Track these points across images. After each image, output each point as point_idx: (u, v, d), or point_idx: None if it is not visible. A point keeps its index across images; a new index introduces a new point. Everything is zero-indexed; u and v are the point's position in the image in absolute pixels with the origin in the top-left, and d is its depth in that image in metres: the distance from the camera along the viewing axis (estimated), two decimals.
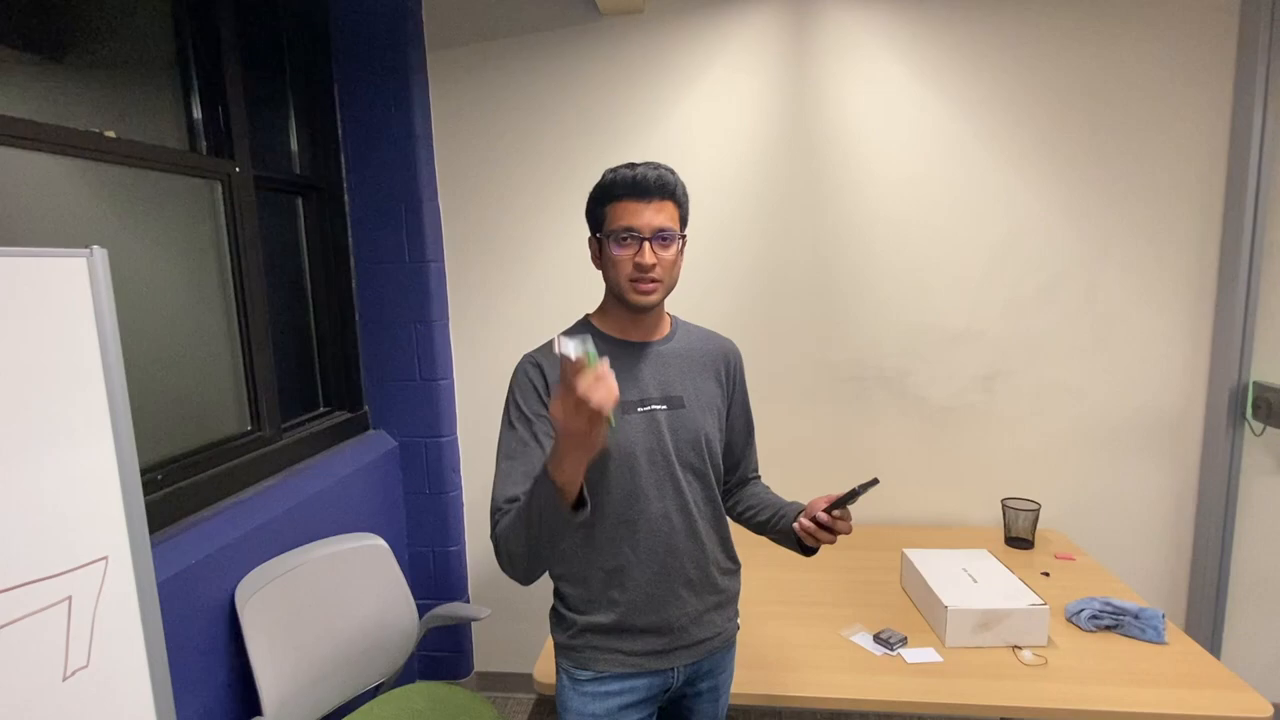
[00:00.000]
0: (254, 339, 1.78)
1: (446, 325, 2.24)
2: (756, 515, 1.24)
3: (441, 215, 2.21)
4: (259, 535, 1.61)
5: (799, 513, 1.16)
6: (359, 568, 1.78)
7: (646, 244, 1.06)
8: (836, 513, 1.08)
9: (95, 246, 0.90)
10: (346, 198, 2.14)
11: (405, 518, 2.26)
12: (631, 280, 1.08)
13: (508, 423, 1.09)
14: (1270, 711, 1.29)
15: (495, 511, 1.03)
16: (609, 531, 1.10)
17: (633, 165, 1.08)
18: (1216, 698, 1.34)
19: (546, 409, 1.06)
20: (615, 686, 1.13)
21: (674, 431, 1.12)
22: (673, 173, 1.09)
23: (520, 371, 1.12)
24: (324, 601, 1.66)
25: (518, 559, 0.98)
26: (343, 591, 1.71)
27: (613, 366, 1.07)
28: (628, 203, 1.06)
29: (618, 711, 1.13)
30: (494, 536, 1.02)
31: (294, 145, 2.05)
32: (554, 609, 1.20)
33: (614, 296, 1.13)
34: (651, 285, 1.08)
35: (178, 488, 1.49)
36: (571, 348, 0.80)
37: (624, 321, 1.15)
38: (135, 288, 1.48)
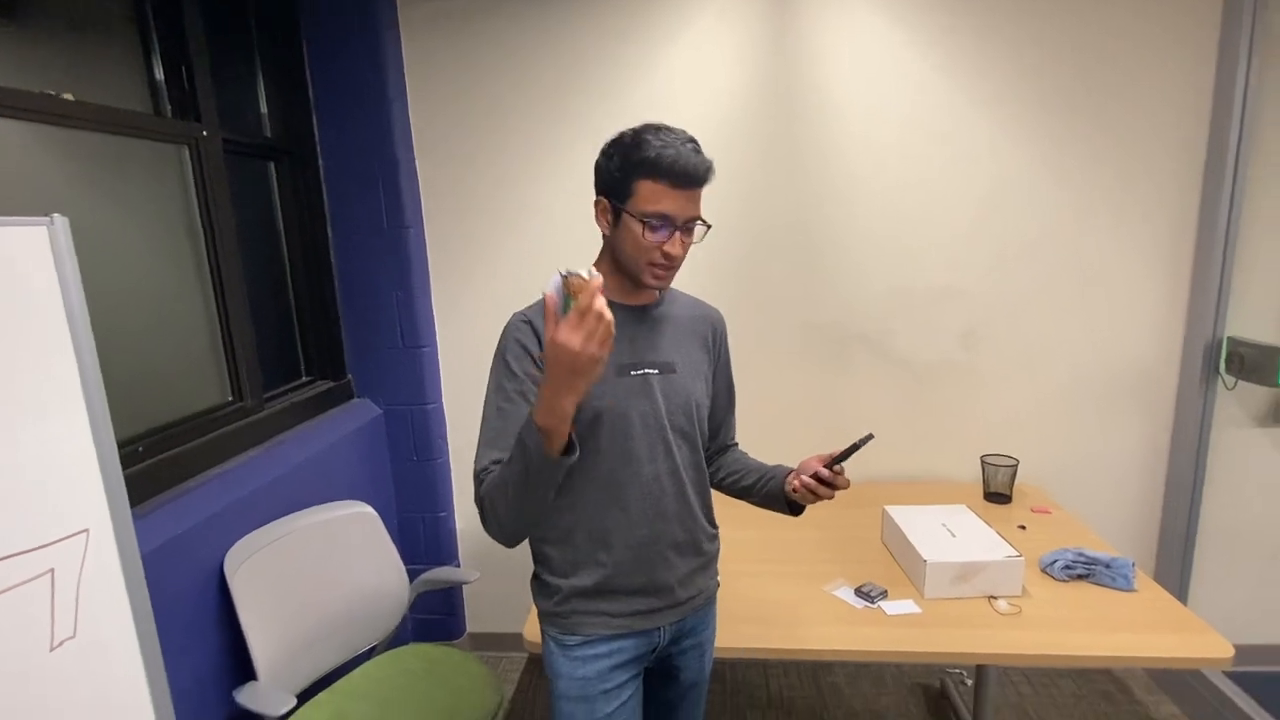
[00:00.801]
0: (231, 308, 1.75)
1: (428, 291, 2.22)
2: (740, 480, 1.25)
3: (419, 178, 2.17)
4: (246, 505, 1.61)
5: (787, 474, 1.17)
6: (348, 534, 1.79)
7: (678, 234, 1.03)
8: (836, 468, 1.09)
9: (56, 215, 0.87)
10: (320, 162, 2.08)
11: (393, 485, 2.27)
12: (652, 265, 1.04)
13: (496, 382, 1.07)
14: (1231, 653, 1.34)
15: (481, 473, 1.02)
16: (599, 493, 1.09)
17: (671, 139, 1.00)
18: (1182, 641, 1.39)
19: (538, 368, 1.02)
20: (604, 649, 1.13)
21: (666, 396, 1.11)
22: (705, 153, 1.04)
23: (511, 330, 1.08)
24: (313, 568, 1.67)
25: (505, 518, 0.98)
26: (332, 558, 1.73)
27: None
28: (668, 188, 1.00)
29: (608, 673, 1.14)
30: (479, 498, 1.01)
31: (263, 107, 1.99)
32: (536, 576, 1.19)
33: (617, 264, 1.09)
34: (671, 273, 1.06)
35: (159, 460, 1.48)
36: (586, 271, 0.80)
37: (618, 286, 1.11)
38: (104, 257, 1.44)
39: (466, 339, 2.25)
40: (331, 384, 2.13)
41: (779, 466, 1.23)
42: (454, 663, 1.76)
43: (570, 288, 0.82)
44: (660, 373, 1.12)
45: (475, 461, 1.04)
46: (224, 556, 1.51)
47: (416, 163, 2.15)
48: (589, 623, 1.13)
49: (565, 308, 0.83)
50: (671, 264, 1.05)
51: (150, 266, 1.58)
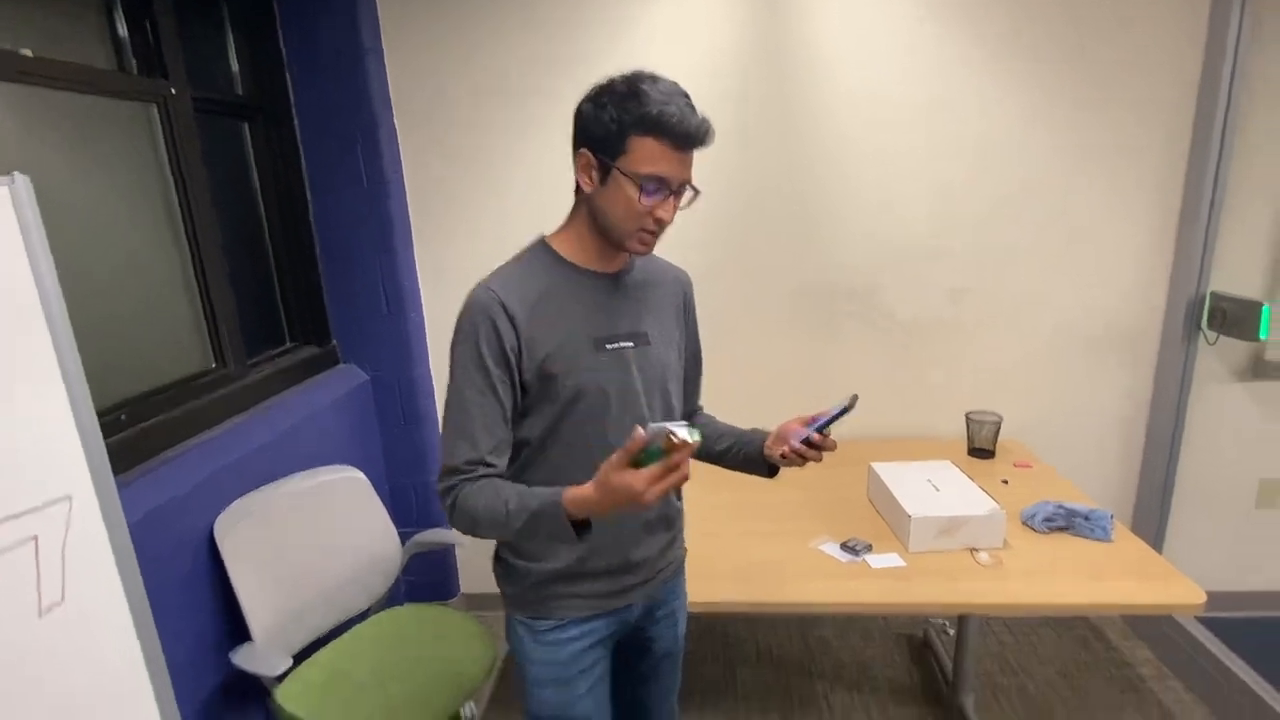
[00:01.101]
0: (209, 272, 1.71)
1: (411, 254, 2.18)
2: (714, 445, 1.21)
3: (398, 135, 2.11)
4: (234, 471, 1.61)
5: (764, 438, 1.15)
6: (338, 499, 1.79)
7: (672, 198, 0.97)
8: (825, 432, 1.06)
9: (16, 173, 0.84)
10: (295, 121, 2.02)
11: (383, 450, 2.27)
12: (642, 230, 0.98)
13: (465, 369, 0.97)
14: (1203, 599, 1.38)
15: (452, 473, 0.96)
16: (575, 475, 0.98)
17: (670, 93, 0.93)
18: (1156, 588, 1.43)
19: (511, 356, 0.98)
20: (576, 631, 1.10)
21: (642, 370, 1.06)
22: None
23: (479, 309, 0.97)
24: (305, 532, 1.68)
25: (482, 536, 0.98)
26: (323, 522, 1.73)
27: (579, 300, 1.03)
28: (667, 148, 0.92)
29: (582, 654, 1.11)
30: (452, 504, 0.97)
31: (234, 64, 1.92)
32: (500, 560, 1.14)
33: (596, 226, 1.01)
34: (657, 239, 1.00)
35: (143, 427, 1.47)
36: (686, 432, 0.81)
37: (592, 251, 1.04)
38: (72, 220, 1.40)
39: (452, 302, 2.17)
40: (316, 350, 2.11)
41: (754, 431, 1.20)
42: (449, 621, 1.79)
43: (667, 445, 0.82)
44: (635, 345, 1.06)
45: (444, 453, 0.98)
46: (214, 522, 1.51)
47: (395, 121, 2.10)
48: (562, 606, 1.09)
49: (650, 457, 0.83)
50: (660, 230, 0.99)
51: (122, 230, 1.54)
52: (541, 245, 1.06)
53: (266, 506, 1.62)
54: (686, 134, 0.92)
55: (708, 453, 1.22)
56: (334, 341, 2.18)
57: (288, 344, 2.10)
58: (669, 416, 1.12)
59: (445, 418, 1.00)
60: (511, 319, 0.98)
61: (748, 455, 1.18)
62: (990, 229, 2.11)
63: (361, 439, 2.15)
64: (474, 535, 0.99)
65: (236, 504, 1.58)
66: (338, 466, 1.84)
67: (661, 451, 0.83)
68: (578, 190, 1.03)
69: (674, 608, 1.24)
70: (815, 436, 1.06)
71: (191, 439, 1.58)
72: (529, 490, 0.95)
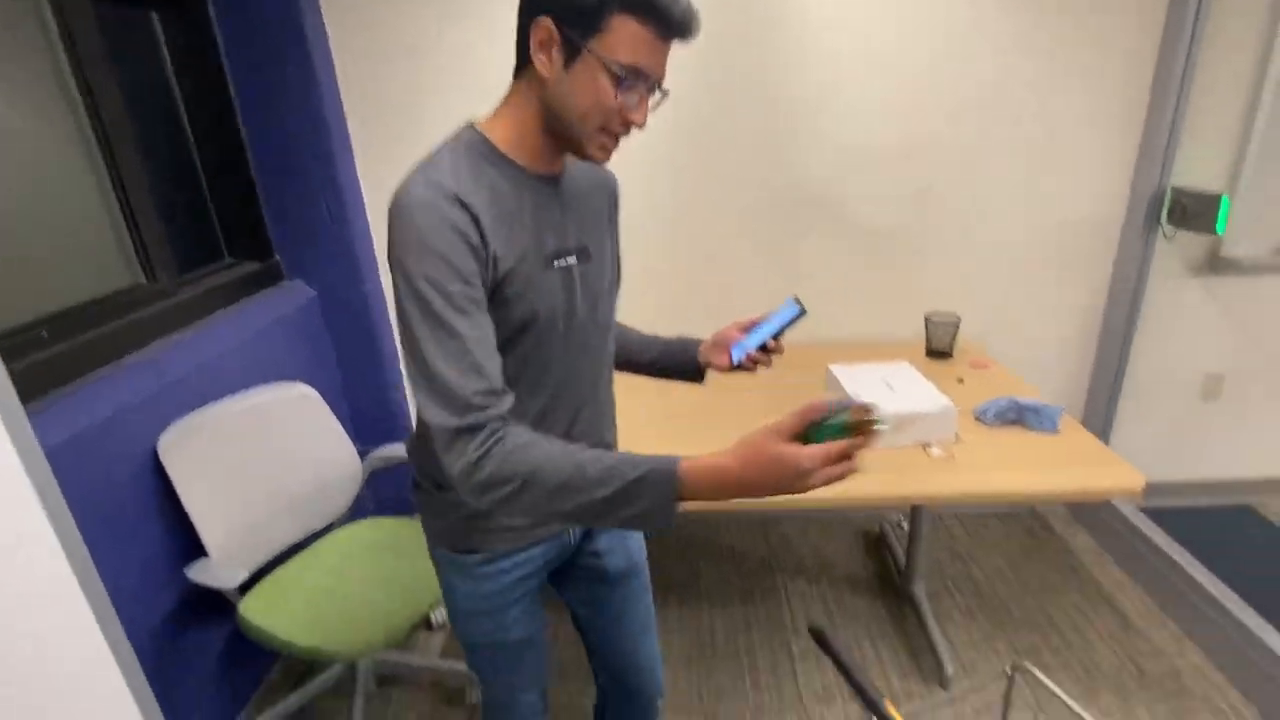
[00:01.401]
0: (128, 182, 1.59)
1: (350, 159, 2.05)
2: (641, 355, 1.16)
3: (329, 31, 1.94)
4: (177, 389, 1.55)
5: (695, 346, 1.12)
6: (290, 415, 1.75)
7: (647, 96, 0.83)
8: (777, 340, 1.05)
9: None
10: (211, 11, 1.84)
11: (339, 367, 2.21)
12: (604, 132, 0.83)
13: (436, 284, 0.76)
14: (1142, 483, 1.43)
15: (465, 409, 0.75)
16: (526, 400, 0.90)
17: None
18: (1097, 473, 1.48)
19: (479, 267, 0.80)
20: (508, 563, 1.00)
21: (585, 287, 0.94)
22: None
23: (433, 206, 0.77)
24: (256, 449, 1.65)
25: (516, 501, 0.76)
26: (275, 439, 1.70)
27: (524, 206, 0.86)
28: (653, 34, 0.78)
29: (514, 585, 1.02)
30: (481, 455, 0.75)
31: None
32: (421, 489, 1.01)
33: (544, 120, 0.84)
34: (617, 145, 0.86)
35: (70, 345, 1.39)
36: (879, 414, 0.66)
37: (535, 149, 0.87)
38: None
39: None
40: (258, 265, 2.01)
41: (680, 340, 1.15)
42: (410, 533, 1.80)
43: (854, 415, 0.67)
44: (579, 261, 0.93)
45: (440, 393, 0.76)
46: (156, 442, 1.47)
47: (323, 11, 1.92)
48: (492, 539, 0.98)
49: (823, 433, 0.68)
50: (624, 135, 0.85)
51: (19, 136, 1.41)
52: (477, 136, 0.87)
53: (214, 425, 1.58)
54: (679, 21, 0.79)
55: (632, 363, 1.17)
56: (276, 257, 2.08)
57: (226, 259, 2.00)
58: (609, 335, 1.04)
59: (422, 351, 0.77)
60: (475, 220, 0.79)
61: (679, 364, 1.13)
62: (956, 127, 2.04)
63: (314, 356, 2.09)
64: (499, 501, 0.76)
65: (181, 423, 1.53)
66: (287, 384, 1.79)
67: (842, 429, 0.68)
68: (520, 70, 0.85)
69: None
70: (771, 343, 1.05)
71: (126, 357, 1.51)
72: (606, 452, 0.76)
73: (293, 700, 1.76)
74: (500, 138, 0.87)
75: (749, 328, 1.07)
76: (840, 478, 0.70)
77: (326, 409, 1.82)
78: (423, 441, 0.96)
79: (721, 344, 1.10)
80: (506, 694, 1.15)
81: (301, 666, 1.90)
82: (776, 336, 1.05)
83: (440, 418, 0.76)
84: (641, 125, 0.84)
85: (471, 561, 0.99)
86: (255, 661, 1.86)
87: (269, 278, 2.04)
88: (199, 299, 1.77)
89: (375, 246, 2.15)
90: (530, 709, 1.17)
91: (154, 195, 1.68)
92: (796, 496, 1.20)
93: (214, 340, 1.73)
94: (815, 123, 2.04)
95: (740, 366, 1.07)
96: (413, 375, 0.79)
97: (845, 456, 0.70)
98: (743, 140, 2.06)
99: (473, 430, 0.76)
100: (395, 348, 2.27)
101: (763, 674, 1.87)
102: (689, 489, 0.73)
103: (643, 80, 0.81)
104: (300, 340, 2.03)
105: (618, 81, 0.79)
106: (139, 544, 1.43)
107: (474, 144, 0.86)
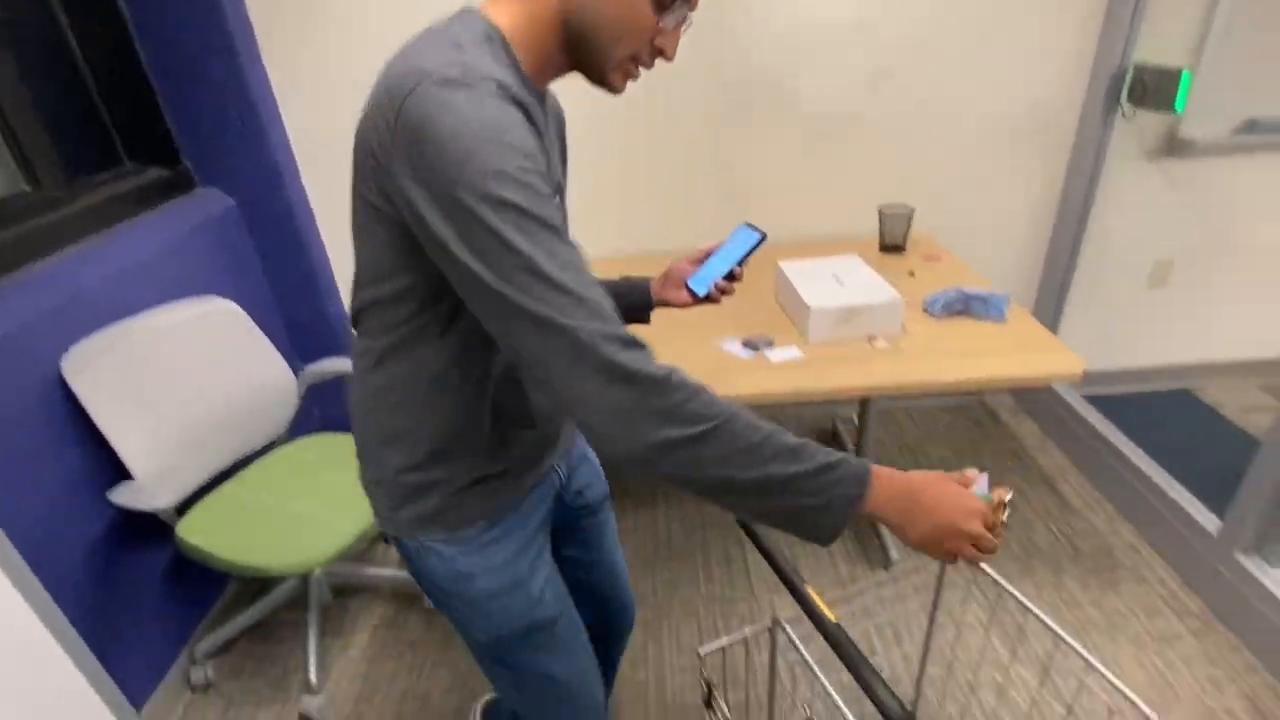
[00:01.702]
0: None
1: (257, 57, 1.86)
2: None
3: None
4: (77, 307, 1.44)
5: (646, 285, 1.06)
6: (211, 332, 1.66)
7: (681, 25, 0.73)
8: (740, 268, 1.01)
9: None
10: None
11: (268, 280, 2.09)
12: (631, 60, 0.72)
13: (524, 188, 0.60)
14: (1082, 367, 1.43)
15: (608, 340, 0.60)
16: (477, 396, 0.80)
17: None
18: (1040, 359, 1.48)
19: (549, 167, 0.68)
20: (513, 519, 0.89)
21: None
22: None
23: (490, 118, 0.60)
24: (176, 367, 1.56)
25: (676, 459, 0.61)
26: (197, 356, 1.61)
27: (537, 134, 0.67)
28: None
29: (525, 544, 0.91)
30: (668, 376, 0.61)
31: None
32: (380, 484, 0.86)
33: (567, 34, 0.70)
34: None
35: None
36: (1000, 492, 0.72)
37: (543, 62, 0.72)
38: None
39: (318, 113, 1.94)
40: (164, 172, 1.85)
41: (626, 280, 1.07)
42: (351, 450, 1.75)
43: (996, 505, 0.70)
44: (559, 200, 0.83)
45: (592, 304, 0.61)
46: (60, 363, 1.37)
47: None
48: (490, 498, 0.86)
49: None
50: (649, 68, 0.75)
51: None
52: (492, 30, 0.69)
53: (125, 342, 1.48)
54: None
55: None
56: (185, 163, 1.91)
57: (126, 165, 1.83)
58: None
59: (541, 269, 0.60)
60: (534, 124, 0.65)
61: (628, 305, 1.03)
62: (913, 5, 1.91)
63: (237, 270, 1.96)
64: (668, 445, 0.61)
65: (87, 342, 1.43)
66: (207, 299, 1.69)
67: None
68: None
69: (583, 441, 1.08)
70: (737, 270, 1.02)
71: (16, 271, 1.39)
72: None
73: (250, 614, 1.76)
74: (510, 38, 0.70)
75: (701, 260, 1.04)
76: (990, 549, 0.69)
77: (252, 325, 1.72)
78: (371, 408, 0.82)
79: (675, 279, 1.04)
80: (575, 680, 0.99)
81: (255, 587, 1.88)
82: (741, 263, 1.02)
83: (595, 324, 0.60)
84: (670, 58, 0.74)
85: (475, 534, 0.86)
86: (206, 586, 1.85)
87: (179, 186, 1.88)
88: (98, 207, 1.63)
89: (295, 148, 1.99)
90: (596, 682, 1.04)
91: (31, 96, 1.50)
92: (736, 394, 1.16)
93: (121, 252, 1.60)
94: (768, 7, 1.89)
95: (708, 298, 1.02)
96: (535, 298, 0.60)
97: (998, 531, 0.69)
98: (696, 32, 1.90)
99: (642, 345, 0.62)
100: (326, 259, 2.15)
101: (715, 568, 1.92)
102: (876, 492, 0.66)
103: (685, 3, 0.71)
104: (220, 252, 1.90)
105: (664, 6, 0.68)
106: (53, 471, 1.37)
107: (492, 38, 0.68)
